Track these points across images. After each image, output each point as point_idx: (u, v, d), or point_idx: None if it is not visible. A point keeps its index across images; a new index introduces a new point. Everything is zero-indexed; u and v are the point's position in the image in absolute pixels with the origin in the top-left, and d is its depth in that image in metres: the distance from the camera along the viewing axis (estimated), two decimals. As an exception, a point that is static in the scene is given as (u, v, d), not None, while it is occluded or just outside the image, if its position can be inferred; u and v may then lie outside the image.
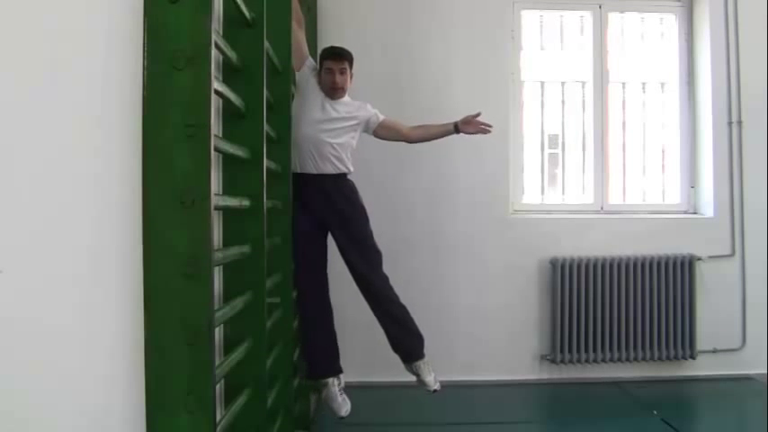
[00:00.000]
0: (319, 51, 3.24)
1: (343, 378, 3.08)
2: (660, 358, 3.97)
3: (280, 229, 2.64)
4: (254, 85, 2.03)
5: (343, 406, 3.03)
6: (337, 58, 2.98)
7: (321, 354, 3.00)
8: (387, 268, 3.00)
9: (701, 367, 4.02)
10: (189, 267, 1.32)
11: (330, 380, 3.01)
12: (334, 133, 2.95)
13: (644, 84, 4.32)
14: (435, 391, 3.05)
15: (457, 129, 3.08)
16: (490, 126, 3.09)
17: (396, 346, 3.06)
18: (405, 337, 3.02)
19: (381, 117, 3.07)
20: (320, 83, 2.99)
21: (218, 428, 1.51)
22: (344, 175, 3.00)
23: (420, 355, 3.03)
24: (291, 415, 2.70)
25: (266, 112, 2.11)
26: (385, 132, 3.11)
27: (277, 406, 2.40)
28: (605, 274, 3.95)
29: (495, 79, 3.89)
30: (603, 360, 3.95)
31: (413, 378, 3.07)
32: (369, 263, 2.97)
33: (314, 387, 3.15)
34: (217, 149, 1.61)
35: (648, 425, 3.31)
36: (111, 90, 1.26)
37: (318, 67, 3.04)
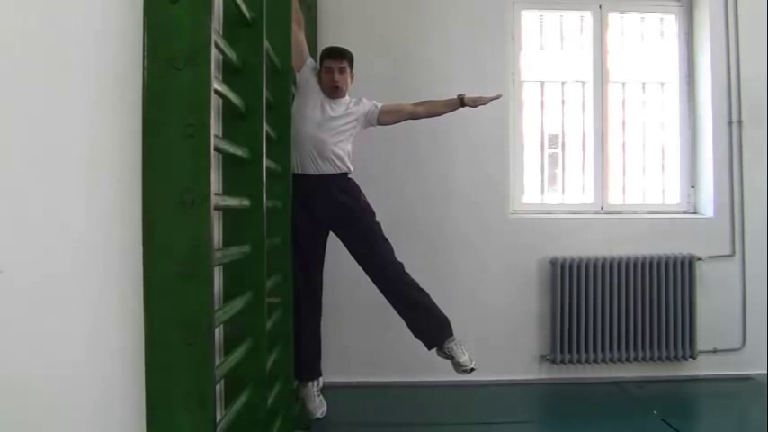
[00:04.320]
0: (319, 51, 3.24)
1: (322, 380, 3.08)
2: (660, 358, 3.97)
3: (280, 229, 2.64)
4: (254, 85, 2.03)
5: (320, 407, 3.03)
6: (337, 57, 2.98)
7: (308, 356, 2.99)
8: (387, 268, 2.99)
9: (700, 367, 4.02)
10: (189, 267, 1.32)
11: (311, 381, 3.02)
12: (334, 133, 2.95)
13: (644, 84, 4.31)
14: (473, 369, 2.92)
15: (462, 103, 3.08)
16: (498, 96, 3.15)
17: (421, 333, 2.95)
18: (430, 321, 2.92)
19: (380, 105, 3.08)
20: (320, 83, 2.99)
21: (218, 428, 1.51)
22: (345, 174, 3.00)
23: (449, 334, 2.92)
24: (291, 415, 2.70)
25: (266, 112, 2.11)
26: (390, 117, 3.11)
27: (277, 406, 2.40)
28: (605, 274, 3.95)
29: (495, 79, 3.89)
30: (603, 360, 3.95)
31: (446, 363, 2.95)
32: (379, 253, 2.93)
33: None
34: (217, 149, 1.61)
35: (648, 425, 3.31)
36: (111, 90, 1.26)
37: (318, 67, 3.04)
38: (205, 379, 1.33)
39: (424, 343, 2.97)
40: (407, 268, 2.96)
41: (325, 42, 3.50)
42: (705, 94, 4.14)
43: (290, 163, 2.76)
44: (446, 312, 2.96)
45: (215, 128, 1.56)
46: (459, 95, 3.10)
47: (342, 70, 2.97)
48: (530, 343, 4.01)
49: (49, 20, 1.06)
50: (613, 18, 4.26)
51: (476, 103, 3.10)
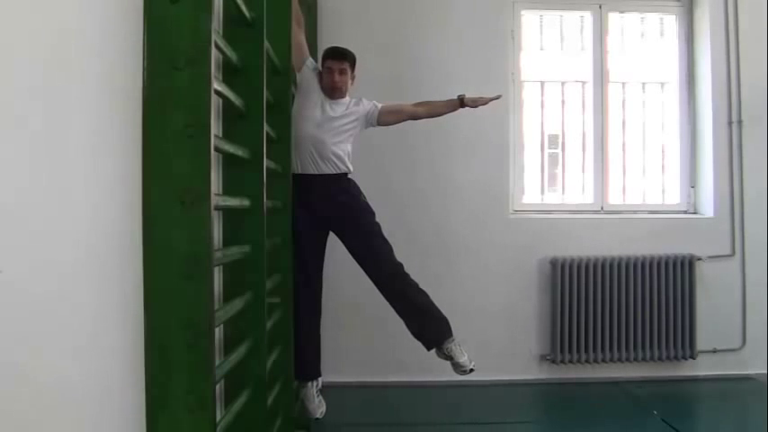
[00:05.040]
0: (319, 51, 3.24)
1: (321, 381, 3.08)
2: (660, 358, 3.97)
3: (280, 229, 2.64)
4: (254, 85, 2.03)
5: (319, 407, 3.03)
6: (338, 57, 2.98)
7: (308, 356, 2.98)
8: (388, 268, 2.98)
9: (700, 367, 4.02)
10: (189, 267, 1.32)
11: (311, 381, 3.02)
12: (334, 133, 2.95)
13: (644, 84, 4.32)
14: (472, 370, 2.90)
15: (462, 103, 3.08)
16: (498, 97, 3.14)
17: (420, 333, 2.93)
18: (430, 322, 2.91)
19: (380, 105, 3.07)
20: (321, 83, 2.99)
21: (218, 428, 1.51)
22: (345, 174, 3.00)
23: (449, 335, 2.90)
24: (291, 415, 2.70)
25: (266, 112, 2.11)
26: (390, 117, 3.10)
27: (277, 406, 2.40)
28: (605, 274, 3.95)
29: (495, 79, 3.89)
30: (603, 360, 3.95)
31: (446, 363, 2.93)
32: (379, 253, 2.93)
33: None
34: (217, 149, 1.61)
35: (648, 425, 3.30)
36: (111, 90, 1.26)
37: (320, 66, 3.04)
38: (205, 379, 1.33)
39: (424, 343, 2.96)
40: (407, 268, 2.96)
41: (325, 42, 3.49)
42: (705, 94, 4.14)
43: (291, 163, 2.76)
44: (446, 313, 2.96)
45: (215, 128, 1.55)
46: (459, 96, 3.10)
47: (343, 71, 2.96)
48: (530, 343, 4.01)
49: (50, 20, 1.06)
50: (613, 18, 4.26)
51: (476, 103, 3.10)
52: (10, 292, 0.94)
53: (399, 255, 2.98)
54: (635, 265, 3.97)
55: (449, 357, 2.91)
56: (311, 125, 2.93)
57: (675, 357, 3.98)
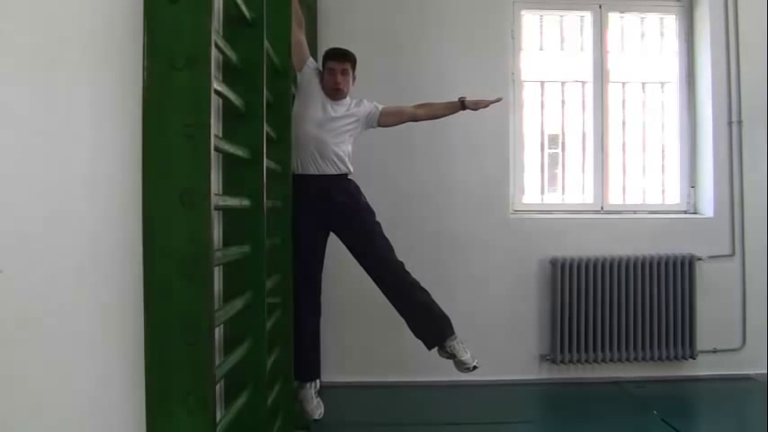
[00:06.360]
0: (320, 51, 3.24)
1: (319, 382, 3.08)
2: (660, 358, 3.97)
3: (280, 229, 2.64)
4: (254, 85, 2.03)
5: (318, 409, 3.02)
6: (341, 58, 2.98)
7: (307, 357, 2.98)
8: (387, 268, 2.98)
9: (701, 367, 4.02)
10: (189, 267, 1.32)
11: (309, 382, 3.02)
12: (335, 133, 2.95)
13: (644, 84, 4.32)
14: (475, 368, 2.90)
15: (463, 105, 3.08)
16: (498, 99, 3.15)
17: (422, 332, 2.93)
18: (431, 320, 2.90)
19: (381, 107, 3.08)
20: (322, 83, 2.99)
21: (218, 428, 1.51)
22: (345, 175, 3.00)
23: (451, 333, 2.89)
24: (291, 415, 2.70)
25: (266, 112, 2.11)
26: (390, 119, 3.10)
27: (277, 406, 2.40)
28: (605, 274, 3.95)
29: (495, 79, 3.89)
30: (603, 360, 3.95)
31: (446, 363, 2.93)
32: (380, 252, 2.93)
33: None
34: (217, 149, 1.60)
35: (648, 425, 3.31)
36: (111, 90, 1.26)
37: (321, 67, 3.04)
38: (205, 379, 1.33)
39: (425, 342, 2.95)
40: (408, 268, 2.96)
41: (325, 42, 3.49)
42: (705, 94, 4.14)
43: (291, 163, 2.77)
44: (446, 312, 2.96)
45: (215, 128, 1.55)
46: (460, 98, 3.10)
47: (344, 72, 2.97)
48: (530, 343, 4.01)
49: (50, 20, 1.06)
50: (613, 18, 4.26)
51: (476, 105, 3.10)
52: (9, 292, 0.94)
53: (399, 254, 2.98)
54: (635, 265, 3.97)
55: (451, 356, 2.90)
56: (312, 125, 2.93)
57: (675, 357, 3.98)
